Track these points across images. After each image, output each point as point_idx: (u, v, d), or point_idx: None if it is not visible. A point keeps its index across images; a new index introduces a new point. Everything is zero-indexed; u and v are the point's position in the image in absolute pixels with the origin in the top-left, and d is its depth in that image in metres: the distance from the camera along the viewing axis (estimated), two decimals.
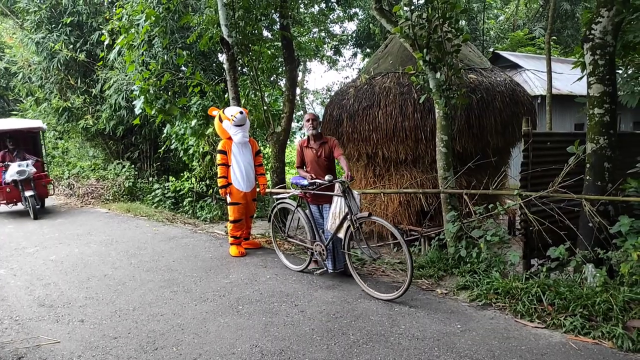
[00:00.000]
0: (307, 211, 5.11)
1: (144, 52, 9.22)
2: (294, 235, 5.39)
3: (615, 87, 4.56)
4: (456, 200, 5.56)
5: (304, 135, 5.47)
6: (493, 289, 4.13)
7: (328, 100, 10.80)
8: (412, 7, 5.32)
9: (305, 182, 4.89)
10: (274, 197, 6.40)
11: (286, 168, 13.38)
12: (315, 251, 4.93)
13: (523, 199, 4.67)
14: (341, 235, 4.55)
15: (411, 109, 7.11)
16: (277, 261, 5.56)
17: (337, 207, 4.56)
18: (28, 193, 9.13)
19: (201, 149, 9.61)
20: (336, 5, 16.37)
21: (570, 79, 11.51)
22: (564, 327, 3.48)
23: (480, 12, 18.14)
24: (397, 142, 7.21)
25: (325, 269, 4.90)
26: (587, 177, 4.54)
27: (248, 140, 5.95)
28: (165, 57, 9.57)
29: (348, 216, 4.41)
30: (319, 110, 19.66)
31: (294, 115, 14.89)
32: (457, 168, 6.03)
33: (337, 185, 4.58)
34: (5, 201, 9.58)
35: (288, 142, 14.04)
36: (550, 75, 11.23)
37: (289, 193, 5.70)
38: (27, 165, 9.27)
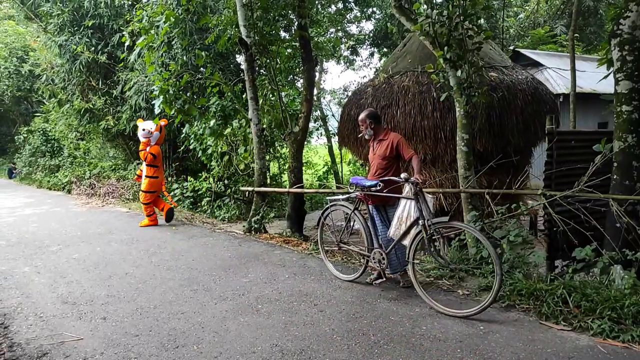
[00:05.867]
0: (366, 216, 4.61)
1: (164, 53, 9.32)
2: (347, 241, 4.87)
3: None
4: (477, 200, 5.47)
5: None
6: (516, 290, 4.04)
7: (345, 100, 10.74)
8: (432, 5, 5.26)
9: (368, 183, 4.36)
10: (327, 198, 5.79)
11: (304, 168, 13.37)
12: (374, 259, 4.44)
13: (547, 199, 4.57)
14: (406, 242, 4.08)
15: (430, 108, 7.04)
16: (295, 260, 5.55)
17: (405, 211, 4.08)
18: None
19: (219, 149, 9.67)
20: (354, 5, 16.30)
21: (593, 77, 11.23)
22: (591, 330, 3.39)
23: (500, 9, 17.85)
24: (416, 141, 7.14)
25: (384, 279, 4.56)
26: (615, 177, 4.42)
27: None
28: (185, 58, 9.67)
29: (420, 221, 3.93)
30: (336, 110, 19.56)
31: (312, 115, 14.88)
32: (477, 167, 5.93)
33: (407, 187, 4.10)
34: None
35: (305, 142, 14.05)
36: (574, 72, 10.97)
37: (346, 194, 5.03)
38: None
